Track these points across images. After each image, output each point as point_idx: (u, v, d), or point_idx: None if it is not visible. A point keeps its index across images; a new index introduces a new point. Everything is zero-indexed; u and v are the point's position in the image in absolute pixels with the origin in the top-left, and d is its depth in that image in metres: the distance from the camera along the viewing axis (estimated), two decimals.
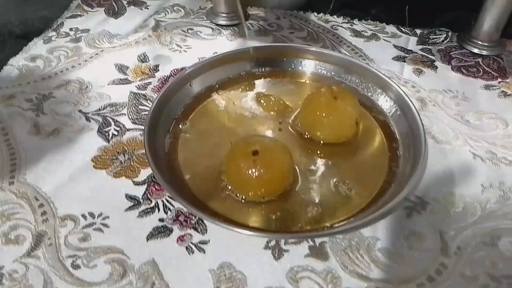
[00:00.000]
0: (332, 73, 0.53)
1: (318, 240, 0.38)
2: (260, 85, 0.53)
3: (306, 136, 0.46)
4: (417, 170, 0.40)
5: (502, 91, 0.53)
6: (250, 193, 0.40)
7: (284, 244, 0.38)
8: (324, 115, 0.44)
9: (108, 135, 0.47)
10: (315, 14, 0.67)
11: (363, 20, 0.65)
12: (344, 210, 0.40)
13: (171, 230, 0.39)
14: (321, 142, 0.46)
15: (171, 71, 0.56)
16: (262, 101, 0.50)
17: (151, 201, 0.41)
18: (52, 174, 0.43)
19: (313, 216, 0.40)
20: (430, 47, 0.60)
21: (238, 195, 0.41)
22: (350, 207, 0.40)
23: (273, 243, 0.38)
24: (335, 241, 0.38)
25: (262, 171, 0.38)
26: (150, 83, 0.54)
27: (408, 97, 0.47)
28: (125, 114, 0.50)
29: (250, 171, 0.38)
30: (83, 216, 0.40)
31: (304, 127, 0.47)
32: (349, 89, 0.50)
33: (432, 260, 0.36)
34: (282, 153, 0.41)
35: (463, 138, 0.47)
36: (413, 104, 0.46)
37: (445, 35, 0.62)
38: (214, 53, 0.56)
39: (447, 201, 0.41)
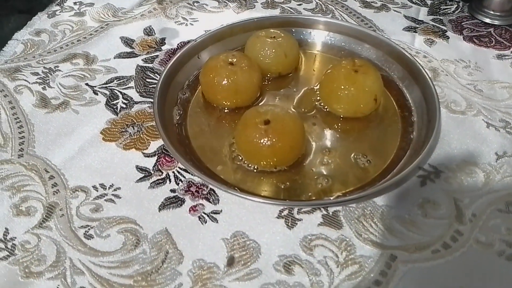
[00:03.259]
0: (343, 43, 0.52)
1: (331, 209, 0.38)
2: None
3: (325, 110, 0.46)
4: (430, 139, 0.40)
5: None
6: (262, 163, 0.40)
7: (297, 213, 0.37)
8: (342, 87, 0.43)
9: (116, 108, 0.47)
10: None
11: None
12: (357, 180, 0.40)
13: (183, 201, 0.38)
14: (341, 116, 0.45)
15: (178, 44, 0.55)
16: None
17: (162, 173, 0.41)
18: (61, 146, 0.43)
19: (326, 186, 0.39)
20: (441, 17, 0.59)
21: (250, 165, 0.40)
22: (364, 177, 0.40)
23: (285, 212, 0.37)
24: (348, 210, 0.37)
25: (274, 140, 0.38)
26: (157, 56, 0.53)
27: (422, 66, 0.46)
28: (132, 87, 0.49)
29: (261, 140, 0.38)
30: (94, 187, 0.39)
31: (324, 100, 0.46)
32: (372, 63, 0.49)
33: (447, 227, 0.36)
34: (294, 121, 0.40)
35: (476, 108, 0.46)
36: (426, 73, 0.45)
37: (456, 5, 0.61)
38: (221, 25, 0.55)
39: (461, 169, 0.40)
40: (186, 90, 0.48)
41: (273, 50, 0.47)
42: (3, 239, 0.36)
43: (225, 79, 0.43)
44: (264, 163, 0.39)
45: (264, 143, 0.38)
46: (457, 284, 0.33)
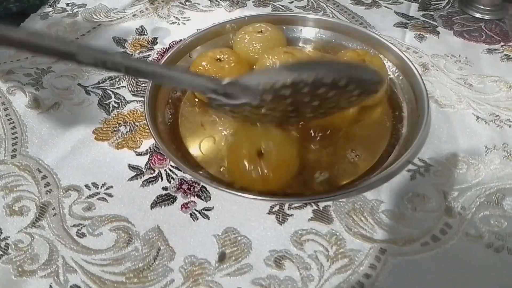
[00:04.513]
0: (333, 40, 0.52)
1: (321, 204, 0.38)
2: None
3: None
4: (419, 133, 0.40)
5: (505, 55, 0.52)
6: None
7: (288, 209, 0.38)
8: None
9: (109, 107, 0.47)
10: None
11: None
12: (347, 174, 0.40)
13: (175, 198, 0.39)
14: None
15: (170, 43, 0.56)
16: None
17: (154, 171, 0.41)
18: (54, 146, 0.43)
19: (316, 181, 0.40)
20: (431, 13, 0.59)
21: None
22: (353, 172, 0.40)
23: (276, 208, 0.38)
24: (338, 204, 0.38)
25: (267, 173, 0.36)
26: (149, 55, 0.54)
27: (411, 62, 0.46)
28: (125, 87, 0.50)
29: (254, 173, 0.37)
30: (87, 186, 0.40)
31: None
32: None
33: (437, 220, 0.36)
34: (288, 151, 0.38)
35: (466, 102, 0.46)
36: (415, 68, 0.45)
37: (446, 0, 0.62)
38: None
39: (450, 163, 0.40)
40: (177, 88, 0.48)
41: (261, 44, 0.48)
42: None
43: (213, 75, 0.44)
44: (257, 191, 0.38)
45: (256, 175, 0.36)
46: (446, 276, 0.33)
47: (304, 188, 0.39)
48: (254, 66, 0.47)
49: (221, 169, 0.41)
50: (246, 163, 0.37)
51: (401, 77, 0.47)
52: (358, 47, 0.50)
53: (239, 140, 0.40)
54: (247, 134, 0.39)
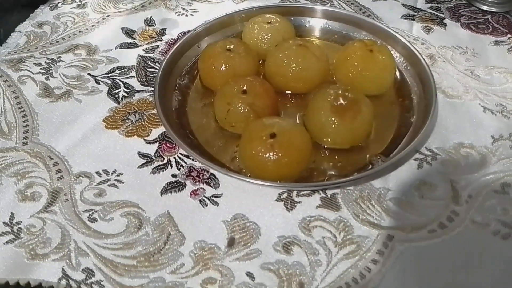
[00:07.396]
0: (341, 31, 0.53)
1: (329, 192, 0.38)
2: None
3: None
4: (426, 123, 0.40)
5: None
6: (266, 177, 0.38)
7: (296, 196, 0.38)
8: (365, 68, 0.44)
9: (118, 96, 0.48)
10: None
11: None
12: (355, 162, 0.40)
13: (184, 185, 0.39)
14: None
15: (178, 34, 0.56)
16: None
17: (164, 158, 0.41)
18: (64, 134, 0.44)
19: (325, 169, 0.40)
20: (439, 5, 0.59)
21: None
22: (362, 160, 0.41)
23: (285, 195, 0.38)
24: (346, 192, 0.38)
25: (280, 154, 0.36)
26: (157, 46, 0.54)
27: (419, 52, 0.46)
28: (134, 77, 0.50)
29: (267, 155, 0.37)
30: (98, 173, 0.40)
31: (345, 84, 0.45)
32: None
33: (444, 208, 0.37)
34: (301, 135, 0.39)
35: (473, 92, 0.46)
36: (423, 59, 0.46)
37: None
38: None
39: (457, 152, 0.41)
40: (185, 76, 0.49)
41: (270, 35, 0.48)
42: (9, 223, 0.37)
43: (223, 65, 0.44)
44: (269, 178, 0.38)
45: (269, 158, 0.37)
46: (453, 262, 0.34)
47: (311, 175, 0.39)
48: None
49: (231, 157, 0.41)
50: (258, 143, 0.37)
51: (408, 68, 0.47)
52: (366, 38, 0.51)
53: (252, 124, 0.40)
54: (262, 122, 0.39)
